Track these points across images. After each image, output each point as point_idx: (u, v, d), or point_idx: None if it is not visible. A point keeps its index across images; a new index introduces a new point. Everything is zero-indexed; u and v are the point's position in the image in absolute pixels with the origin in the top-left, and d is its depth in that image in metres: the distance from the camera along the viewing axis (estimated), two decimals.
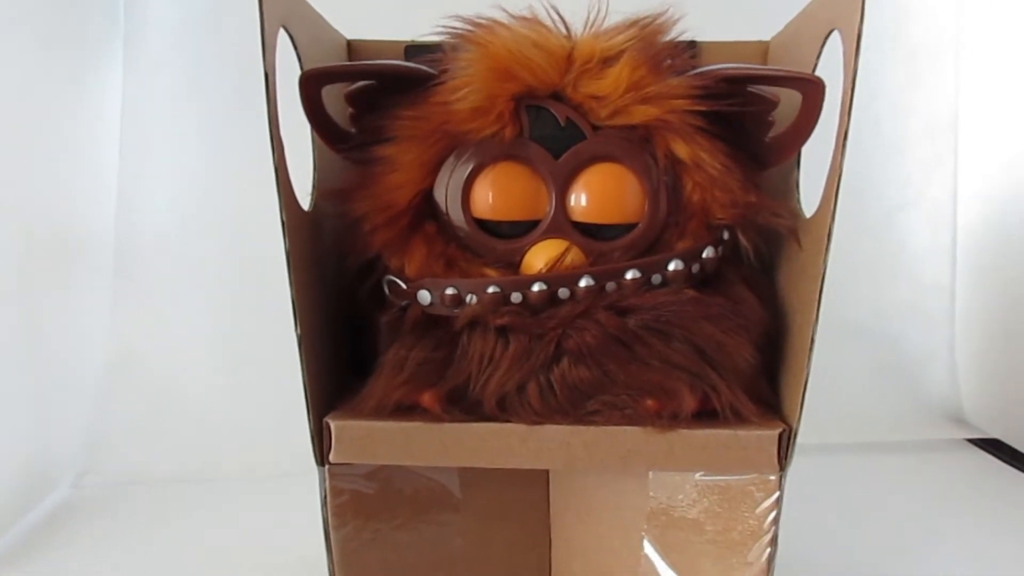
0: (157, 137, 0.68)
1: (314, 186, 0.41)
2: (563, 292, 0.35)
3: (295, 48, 0.39)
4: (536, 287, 0.35)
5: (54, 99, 0.61)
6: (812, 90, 0.36)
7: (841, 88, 0.34)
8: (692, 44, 0.45)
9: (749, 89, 0.38)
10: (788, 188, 0.40)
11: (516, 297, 0.35)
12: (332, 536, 0.36)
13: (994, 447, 0.70)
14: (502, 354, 0.35)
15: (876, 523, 0.54)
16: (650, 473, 0.37)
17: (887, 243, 0.75)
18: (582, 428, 0.34)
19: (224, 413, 0.67)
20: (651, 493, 0.37)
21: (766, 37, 0.47)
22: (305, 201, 0.39)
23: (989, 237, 0.73)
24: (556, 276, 0.35)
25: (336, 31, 0.47)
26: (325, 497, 0.36)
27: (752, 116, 0.38)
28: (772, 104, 0.38)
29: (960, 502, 0.59)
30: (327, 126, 0.39)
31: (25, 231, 0.57)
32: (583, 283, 0.35)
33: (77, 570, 0.49)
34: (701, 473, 0.36)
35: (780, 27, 0.45)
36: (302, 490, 0.53)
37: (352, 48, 0.48)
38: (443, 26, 0.38)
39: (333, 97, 0.39)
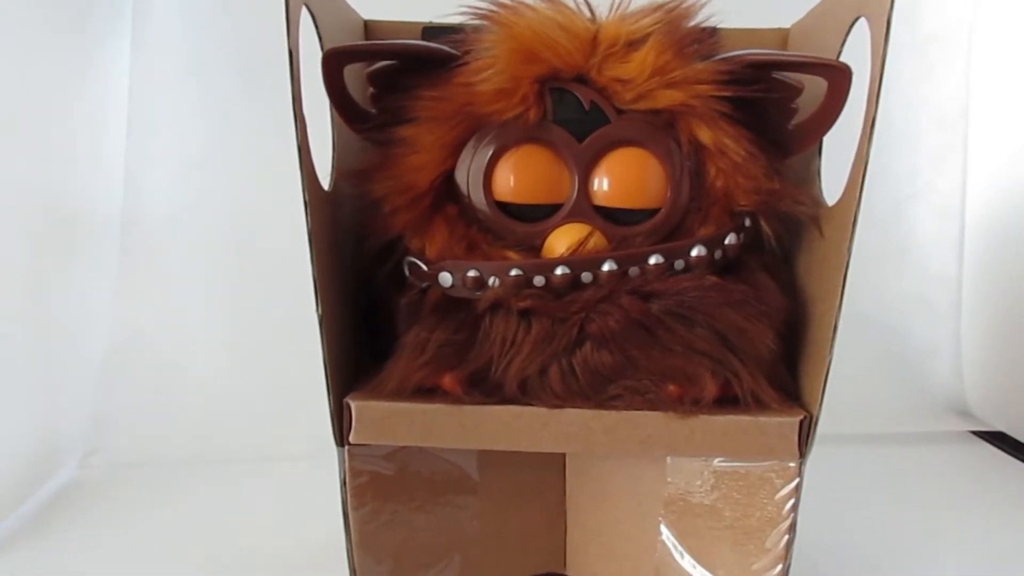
0: (165, 117, 0.68)
1: (333, 166, 0.40)
2: (586, 276, 0.35)
3: (316, 27, 0.38)
4: (559, 270, 0.35)
5: (61, 78, 0.60)
6: (838, 77, 0.36)
7: (864, 77, 0.34)
8: (713, 31, 0.45)
9: (774, 75, 0.37)
10: (809, 176, 0.40)
11: (539, 280, 0.35)
12: (351, 516, 0.36)
13: (999, 439, 0.70)
14: (524, 337, 0.34)
15: (881, 514, 0.54)
16: (668, 459, 0.37)
17: (894, 234, 0.75)
18: (603, 412, 0.34)
19: (231, 394, 0.67)
20: (668, 479, 0.37)
21: (786, 24, 0.47)
22: (324, 182, 0.39)
23: (997, 229, 0.73)
24: (579, 260, 0.35)
25: (353, 11, 0.46)
26: (344, 478, 0.36)
27: (776, 103, 0.38)
28: (796, 91, 0.38)
29: (964, 494, 0.60)
30: (348, 106, 0.39)
31: (31, 211, 0.57)
32: (606, 267, 0.35)
33: (83, 550, 0.49)
34: (720, 459, 0.36)
35: (800, 15, 0.45)
36: (308, 472, 0.53)
37: (369, 29, 0.47)
38: (466, 6, 0.37)
39: (353, 77, 0.39)
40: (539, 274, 0.35)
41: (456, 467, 0.38)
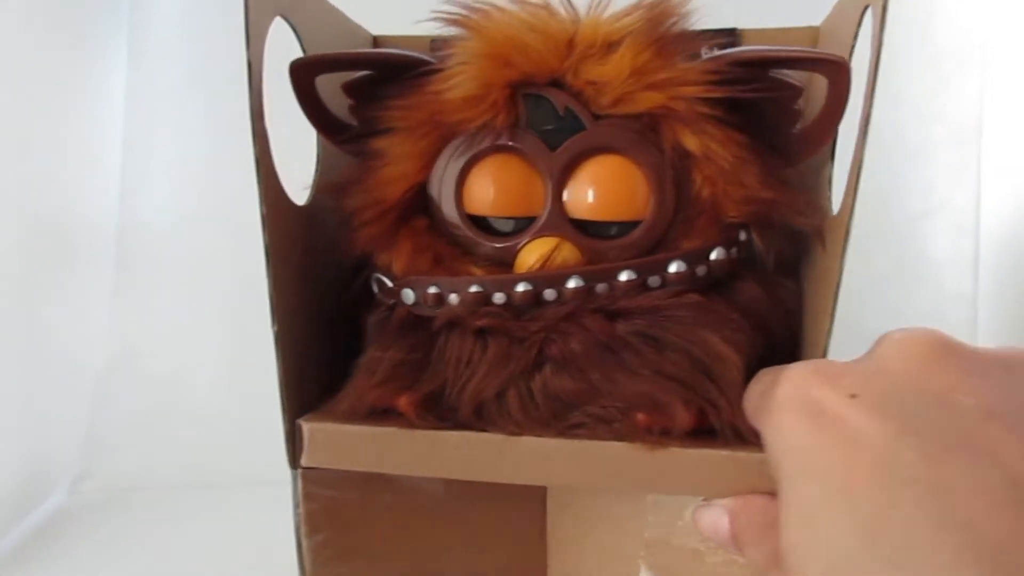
0: (161, 129, 0.67)
1: (314, 180, 0.40)
2: (549, 293, 0.32)
3: (299, 40, 0.38)
4: (520, 287, 0.32)
5: (57, 89, 0.59)
6: (833, 71, 0.32)
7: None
8: (731, 32, 0.42)
9: (771, 75, 0.34)
10: (819, 184, 0.36)
11: (499, 297, 0.33)
12: (303, 544, 0.34)
13: None
14: (480, 358, 0.32)
15: None
16: (649, 497, 0.33)
17: (908, 251, 0.71)
18: (564, 442, 0.31)
19: (228, 416, 0.64)
20: (649, 517, 0.34)
21: (816, 22, 0.43)
22: (304, 195, 0.38)
23: (1013, 247, 0.67)
24: (542, 276, 0.32)
25: (360, 27, 0.45)
26: (297, 503, 0.34)
27: (776, 105, 0.34)
28: (797, 91, 0.34)
29: None
30: (323, 117, 0.38)
31: (25, 224, 0.55)
32: (571, 284, 0.32)
33: None
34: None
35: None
36: None
37: (378, 43, 0.47)
38: (438, 12, 0.36)
39: (338, 89, 0.38)
40: (499, 291, 0.33)
41: (424, 495, 0.36)
